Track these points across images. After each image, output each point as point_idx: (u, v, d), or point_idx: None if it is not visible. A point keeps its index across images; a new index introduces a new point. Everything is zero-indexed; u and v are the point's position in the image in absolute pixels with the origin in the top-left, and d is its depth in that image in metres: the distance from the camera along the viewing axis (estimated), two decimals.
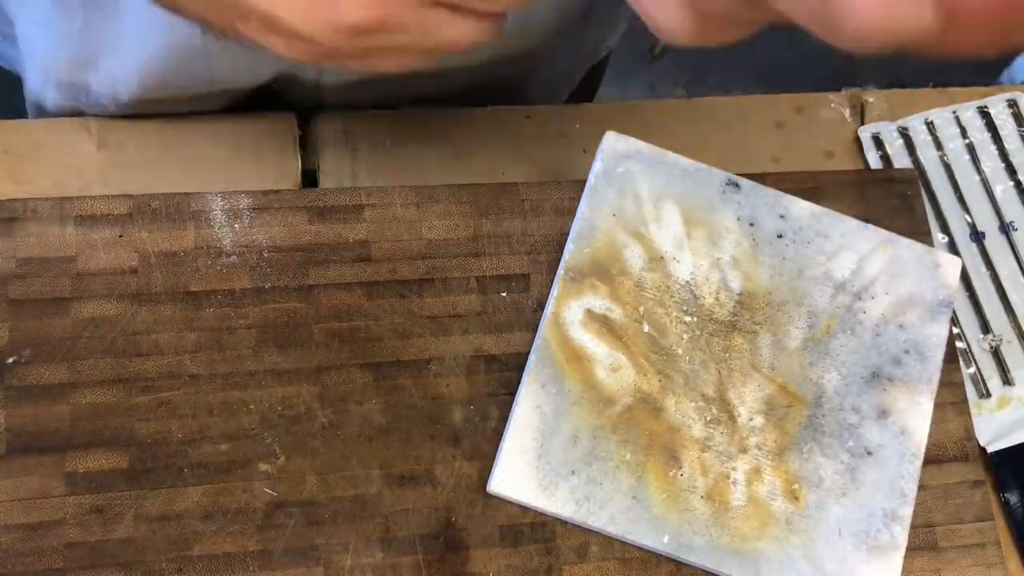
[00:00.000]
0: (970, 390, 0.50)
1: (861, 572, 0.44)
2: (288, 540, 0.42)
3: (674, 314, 0.47)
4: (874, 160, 0.54)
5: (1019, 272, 0.53)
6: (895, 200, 0.52)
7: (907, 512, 0.46)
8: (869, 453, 0.46)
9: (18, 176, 0.47)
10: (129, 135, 0.49)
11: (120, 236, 0.45)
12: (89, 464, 0.42)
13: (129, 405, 0.43)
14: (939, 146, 0.55)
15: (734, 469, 0.45)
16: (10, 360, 0.43)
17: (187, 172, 0.48)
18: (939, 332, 0.49)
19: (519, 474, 0.44)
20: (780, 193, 0.50)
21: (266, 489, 0.43)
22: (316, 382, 0.45)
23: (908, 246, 0.50)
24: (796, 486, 0.45)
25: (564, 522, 0.44)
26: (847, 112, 0.55)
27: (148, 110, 0.50)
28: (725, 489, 0.45)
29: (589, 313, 0.47)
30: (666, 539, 0.44)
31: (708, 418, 0.46)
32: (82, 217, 0.45)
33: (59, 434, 0.42)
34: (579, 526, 0.44)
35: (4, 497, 0.41)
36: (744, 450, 0.45)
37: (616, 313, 0.47)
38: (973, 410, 0.49)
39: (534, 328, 0.47)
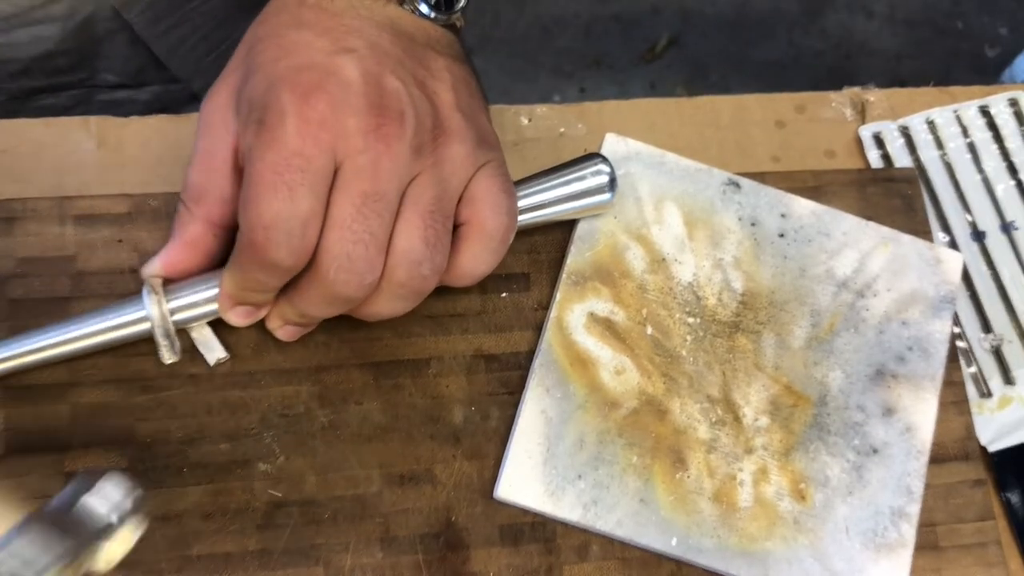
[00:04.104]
0: (971, 389, 0.50)
1: (870, 570, 0.44)
2: (288, 540, 0.42)
3: (677, 316, 0.47)
4: (875, 159, 0.54)
5: (1020, 271, 0.53)
6: (896, 199, 0.52)
7: (914, 509, 0.46)
8: (875, 451, 0.46)
9: (17, 175, 0.47)
10: (129, 135, 0.49)
11: (119, 236, 0.45)
12: (88, 463, 0.42)
13: (128, 405, 0.43)
14: (940, 145, 0.55)
15: (740, 470, 0.45)
16: None
17: None
18: (942, 328, 0.49)
19: (526, 479, 0.44)
20: (781, 192, 0.50)
21: (267, 489, 0.43)
22: (316, 382, 0.45)
23: (910, 243, 0.50)
24: (803, 486, 0.45)
25: (564, 522, 0.44)
26: (848, 111, 0.55)
27: None
28: (732, 490, 0.45)
29: (592, 316, 0.46)
30: (674, 541, 0.44)
31: (714, 419, 0.46)
32: (81, 217, 0.45)
33: (59, 434, 0.42)
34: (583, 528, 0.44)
35: (4, 496, 0.41)
36: (750, 451, 0.45)
37: (619, 316, 0.47)
38: (974, 410, 0.49)
39: (534, 328, 0.47)
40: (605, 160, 0.46)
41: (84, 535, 0.31)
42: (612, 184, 0.46)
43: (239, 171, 0.39)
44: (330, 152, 0.36)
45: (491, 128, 0.43)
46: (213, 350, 0.43)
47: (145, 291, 0.41)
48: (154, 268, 0.42)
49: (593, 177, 0.46)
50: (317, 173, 0.36)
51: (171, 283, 0.42)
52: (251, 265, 0.38)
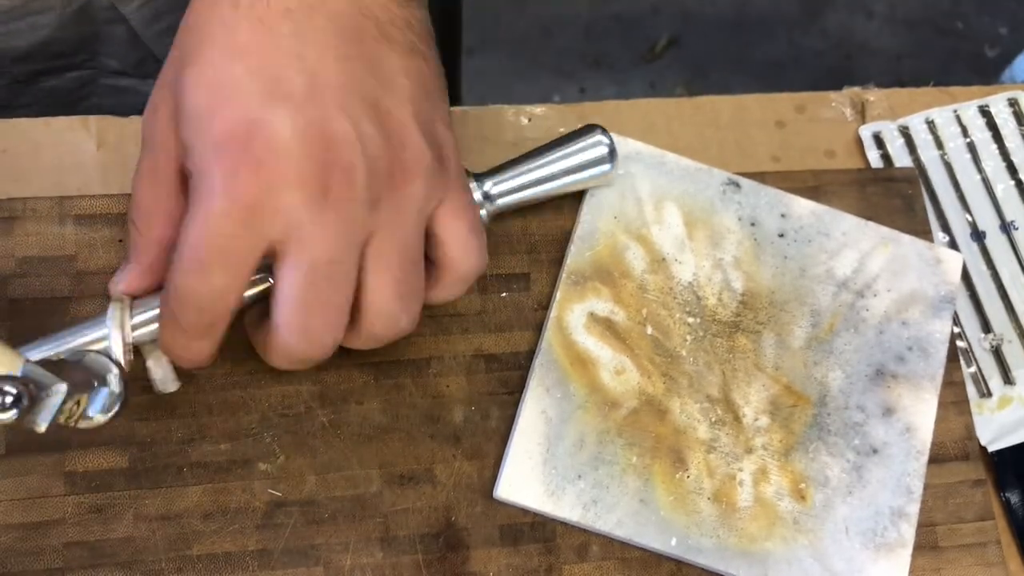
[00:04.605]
0: (971, 389, 0.50)
1: (869, 570, 0.44)
2: (288, 540, 0.42)
3: (677, 316, 0.47)
4: (875, 159, 0.54)
5: (1020, 271, 0.53)
6: (896, 199, 0.52)
7: (914, 509, 0.46)
8: (875, 451, 0.46)
9: (17, 175, 0.47)
10: (129, 134, 0.49)
11: (119, 236, 0.45)
12: (88, 463, 0.42)
13: (128, 404, 0.43)
14: (940, 145, 0.55)
15: (740, 470, 0.45)
16: None
17: None
18: (942, 328, 0.49)
19: (526, 479, 0.44)
20: (781, 192, 0.50)
21: (267, 489, 0.43)
22: (316, 381, 0.45)
23: (909, 243, 0.50)
24: (803, 486, 0.45)
25: (564, 521, 0.44)
26: (848, 111, 0.55)
27: None
28: (732, 490, 0.45)
29: (592, 316, 0.47)
30: (673, 541, 0.44)
31: (713, 419, 0.46)
32: (81, 216, 0.45)
33: (58, 433, 0.42)
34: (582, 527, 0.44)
35: (4, 496, 0.41)
36: (750, 451, 0.45)
37: (619, 316, 0.47)
38: (974, 409, 0.49)
39: (534, 327, 0.47)
40: (604, 131, 0.47)
41: (88, 379, 0.37)
42: (612, 154, 0.47)
43: (186, 188, 0.38)
44: (260, 232, 0.35)
45: (448, 132, 0.40)
46: (165, 382, 0.41)
47: (111, 308, 0.39)
48: (119, 292, 0.40)
49: (593, 149, 0.47)
50: (238, 254, 0.35)
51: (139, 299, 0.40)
52: (170, 327, 0.37)
